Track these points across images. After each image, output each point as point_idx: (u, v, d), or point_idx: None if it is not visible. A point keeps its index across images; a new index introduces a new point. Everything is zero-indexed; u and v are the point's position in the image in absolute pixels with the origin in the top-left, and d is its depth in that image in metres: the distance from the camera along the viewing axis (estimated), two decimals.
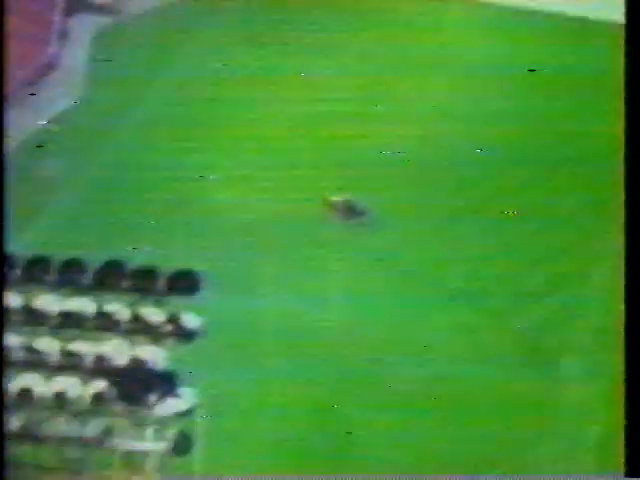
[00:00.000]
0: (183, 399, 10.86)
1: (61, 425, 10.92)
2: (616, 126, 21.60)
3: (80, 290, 10.36)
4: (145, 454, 10.53)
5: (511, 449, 24.25)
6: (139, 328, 10.28)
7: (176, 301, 11.34)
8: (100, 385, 10.98)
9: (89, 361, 10.87)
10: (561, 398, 26.39)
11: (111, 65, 41.52)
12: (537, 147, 36.65)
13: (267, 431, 24.62)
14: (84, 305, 10.94)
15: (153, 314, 10.90)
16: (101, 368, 10.76)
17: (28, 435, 10.53)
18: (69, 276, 10.32)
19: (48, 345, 11.06)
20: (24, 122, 35.70)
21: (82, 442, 10.65)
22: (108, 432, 10.63)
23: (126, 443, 10.56)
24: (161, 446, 10.62)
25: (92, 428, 10.59)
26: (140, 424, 10.42)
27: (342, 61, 42.29)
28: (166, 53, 42.21)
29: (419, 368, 25.86)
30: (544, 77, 40.76)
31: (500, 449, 24.04)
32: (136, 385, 10.24)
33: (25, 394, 10.78)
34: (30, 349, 11.18)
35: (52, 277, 10.42)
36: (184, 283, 11.10)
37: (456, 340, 27.49)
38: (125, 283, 10.34)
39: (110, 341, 11.05)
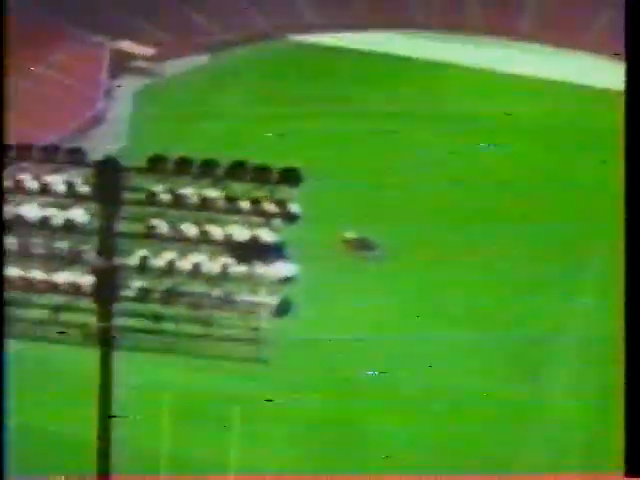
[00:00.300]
0: (286, 269, 14.64)
1: (197, 289, 14.70)
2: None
3: (214, 182, 14.07)
4: (259, 307, 14.26)
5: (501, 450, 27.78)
6: (256, 212, 13.93)
7: (284, 192, 14.87)
8: (226, 258, 14.68)
9: (218, 238, 14.61)
10: (543, 405, 30.10)
11: (149, 118, 45.99)
12: (530, 195, 40.95)
13: None
14: (215, 193, 14.61)
15: (266, 201, 14.61)
16: (227, 243, 14.46)
17: (174, 296, 14.16)
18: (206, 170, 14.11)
19: (187, 227, 14.89)
20: None
21: (211, 301, 14.41)
22: (231, 293, 14.39)
23: (245, 300, 14.39)
24: (272, 301, 14.38)
25: (219, 290, 14.35)
26: (256, 285, 14.23)
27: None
28: (196, 109, 46.34)
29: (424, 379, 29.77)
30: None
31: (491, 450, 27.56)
32: (254, 255, 13.92)
33: (170, 265, 14.59)
34: (174, 229, 14.93)
35: (194, 171, 14.29)
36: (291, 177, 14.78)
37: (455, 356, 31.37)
38: (247, 177, 14.20)
39: (234, 223, 14.81)
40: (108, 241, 14.85)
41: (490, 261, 36.64)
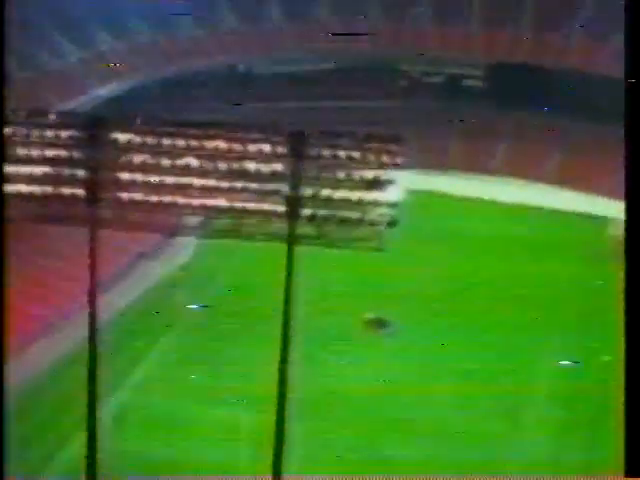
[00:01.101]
0: (395, 195, 23.48)
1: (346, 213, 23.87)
2: None
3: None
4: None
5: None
6: (377, 162, 23.14)
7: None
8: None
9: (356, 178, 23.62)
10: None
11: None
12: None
13: None
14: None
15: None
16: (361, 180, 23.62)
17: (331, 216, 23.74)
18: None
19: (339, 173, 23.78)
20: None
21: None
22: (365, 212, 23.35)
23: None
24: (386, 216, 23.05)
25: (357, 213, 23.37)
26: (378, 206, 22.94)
27: None
28: None
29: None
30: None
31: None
32: (376, 187, 23.11)
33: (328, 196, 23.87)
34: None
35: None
36: None
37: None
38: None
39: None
40: (295, 183, 24.24)
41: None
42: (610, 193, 60.73)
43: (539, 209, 60.76)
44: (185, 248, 53.34)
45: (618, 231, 56.51)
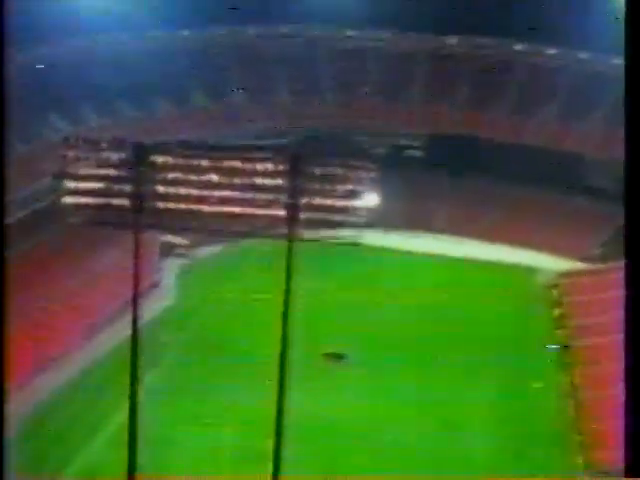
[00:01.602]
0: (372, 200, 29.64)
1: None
2: None
3: None
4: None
5: None
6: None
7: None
8: None
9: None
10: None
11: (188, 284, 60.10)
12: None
13: None
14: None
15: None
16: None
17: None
18: None
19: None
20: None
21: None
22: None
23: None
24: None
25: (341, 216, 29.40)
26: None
27: None
28: (217, 278, 60.42)
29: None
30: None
31: None
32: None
33: None
34: None
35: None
36: None
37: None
38: None
39: None
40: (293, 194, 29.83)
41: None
42: (538, 247, 68.57)
43: (475, 260, 66.79)
44: (168, 292, 59.06)
45: (544, 278, 64.68)
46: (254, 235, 31.94)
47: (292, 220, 30.18)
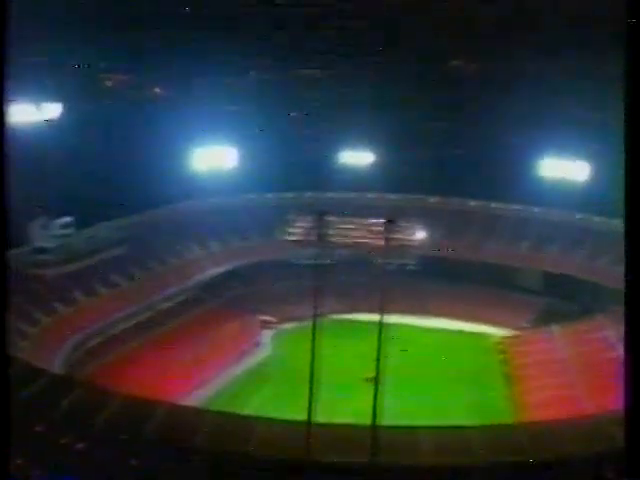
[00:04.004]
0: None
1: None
2: None
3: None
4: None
5: None
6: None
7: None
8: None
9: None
10: None
11: (278, 343, 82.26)
12: None
13: None
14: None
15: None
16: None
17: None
18: None
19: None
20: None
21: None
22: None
23: None
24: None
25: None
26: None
27: None
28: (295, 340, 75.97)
29: None
30: None
31: None
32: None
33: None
34: None
35: None
36: None
37: None
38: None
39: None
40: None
41: None
42: (488, 322, 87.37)
43: (442, 330, 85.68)
44: (266, 347, 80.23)
45: (493, 339, 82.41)
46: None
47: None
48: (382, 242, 47.71)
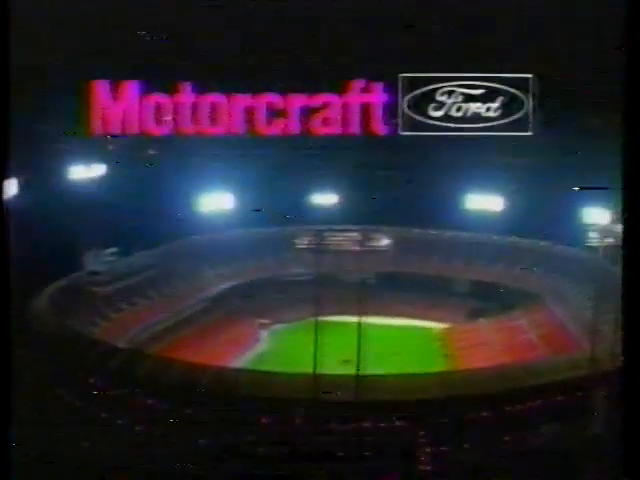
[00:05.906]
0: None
1: None
2: None
3: None
4: None
5: None
6: None
7: None
8: None
9: None
10: None
11: (274, 339, 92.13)
12: None
13: None
14: None
15: None
16: None
17: None
18: None
19: None
20: None
21: None
22: None
23: None
24: None
25: None
26: None
27: None
28: (289, 338, 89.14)
29: None
30: None
31: None
32: None
33: None
34: None
35: None
36: None
37: None
38: None
39: None
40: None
41: None
42: (433, 319, 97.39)
43: (396, 326, 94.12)
44: (264, 342, 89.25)
45: (436, 331, 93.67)
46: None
47: None
48: (359, 247, 69.07)
